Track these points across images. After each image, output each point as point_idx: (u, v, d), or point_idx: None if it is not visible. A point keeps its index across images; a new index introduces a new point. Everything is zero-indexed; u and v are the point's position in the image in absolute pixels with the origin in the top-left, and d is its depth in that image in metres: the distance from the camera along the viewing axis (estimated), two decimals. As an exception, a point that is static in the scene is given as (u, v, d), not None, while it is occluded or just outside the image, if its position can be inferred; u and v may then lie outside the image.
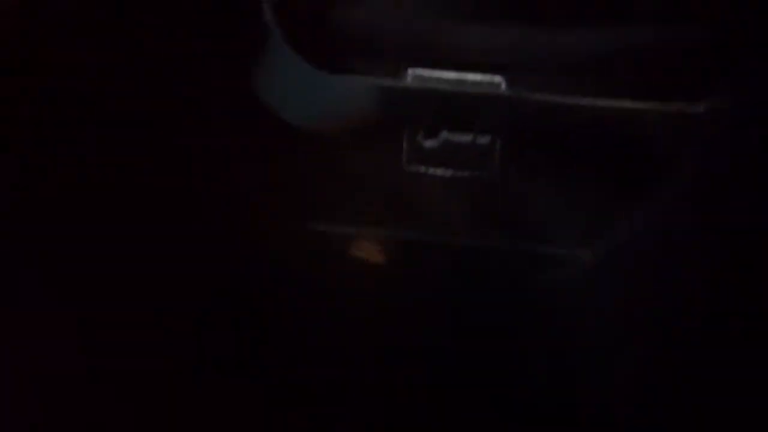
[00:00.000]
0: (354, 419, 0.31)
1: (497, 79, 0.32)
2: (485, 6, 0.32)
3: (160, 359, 0.31)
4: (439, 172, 0.34)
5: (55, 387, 0.31)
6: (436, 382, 0.33)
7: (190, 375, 0.32)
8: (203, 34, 0.32)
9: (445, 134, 0.33)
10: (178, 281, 0.32)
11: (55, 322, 0.31)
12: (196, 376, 0.32)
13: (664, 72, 0.32)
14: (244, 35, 0.33)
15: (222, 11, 0.32)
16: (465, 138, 0.33)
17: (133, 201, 0.31)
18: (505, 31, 0.32)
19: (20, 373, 0.31)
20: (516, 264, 0.35)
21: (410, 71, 0.33)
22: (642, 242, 0.33)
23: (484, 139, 0.33)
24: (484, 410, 0.32)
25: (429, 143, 0.33)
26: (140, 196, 0.31)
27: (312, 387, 0.32)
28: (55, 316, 0.31)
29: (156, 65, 0.32)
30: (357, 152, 0.34)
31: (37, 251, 0.31)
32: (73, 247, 0.31)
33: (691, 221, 0.32)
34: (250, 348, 0.32)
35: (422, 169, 0.34)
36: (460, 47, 0.33)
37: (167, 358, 0.31)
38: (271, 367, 0.32)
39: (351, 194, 0.35)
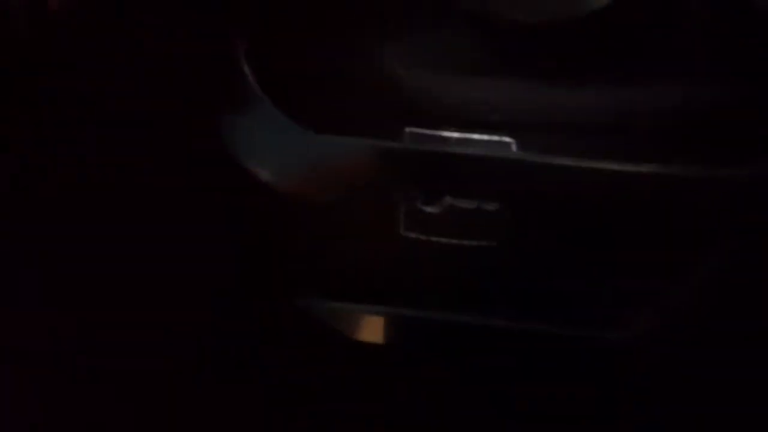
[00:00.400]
0: (354, 419, 0.31)
1: (507, 139, 0.29)
2: (495, 58, 0.29)
3: (161, 359, 0.31)
4: (442, 240, 0.30)
5: (55, 387, 0.31)
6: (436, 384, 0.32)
7: (190, 375, 0.32)
8: (175, 84, 0.29)
9: (448, 199, 0.29)
10: (178, 282, 0.32)
11: (55, 322, 0.31)
12: (196, 376, 0.32)
13: (702, 133, 0.28)
14: (218, 90, 0.29)
15: (195, 60, 0.29)
16: (470, 204, 0.29)
17: (133, 201, 0.31)
18: (515, 87, 0.29)
19: (20, 373, 0.31)
20: (530, 347, 0.31)
21: (408, 130, 0.29)
22: (676, 324, 0.30)
23: (491, 206, 0.29)
24: (483, 408, 0.31)
25: (430, 209, 0.29)
26: (140, 196, 0.31)
27: (312, 387, 0.32)
28: (55, 316, 0.31)
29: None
30: (348, 218, 0.30)
31: (37, 251, 0.31)
32: (73, 247, 0.31)
33: (730, 302, 0.30)
34: (250, 348, 0.32)
35: (422, 236, 0.30)
36: (464, 104, 0.29)
37: (167, 358, 0.31)
38: (271, 367, 0.32)
39: (341, 265, 0.31)
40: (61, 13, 0.29)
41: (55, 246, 0.31)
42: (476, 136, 0.29)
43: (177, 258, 0.32)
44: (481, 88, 0.29)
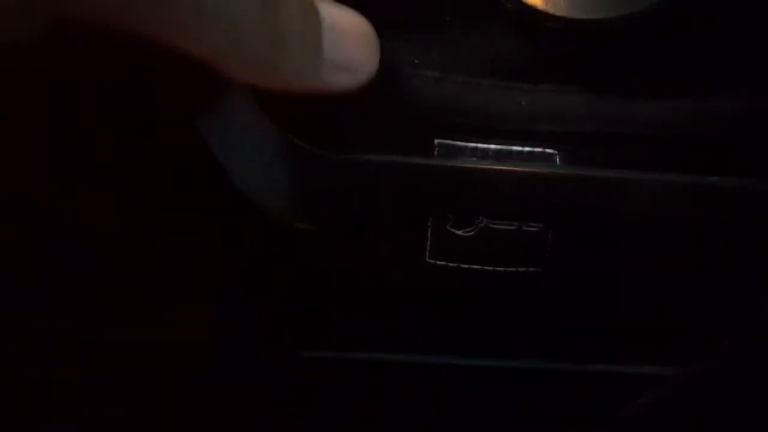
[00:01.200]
0: (354, 421, 0.31)
1: (550, 151, 0.25)
2: (537, 63, 0.26)
3: (160, 359, 0.31)
4: (474, 268, 0.26)
5: (55, 387, 0.31)
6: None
7: (190, 375, 0.32)
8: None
9: (483, 221, 0.26)
10: (177, 281, 0.31)
11: (54, 322, 0.31)
12: (196, 376, 0.32)
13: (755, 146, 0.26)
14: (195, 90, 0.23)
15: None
16: (508, 226, 0.26)
17: (133, 199, 0.31)
18: (558, 97, 0.26)
19: (20, 373, 0.31)
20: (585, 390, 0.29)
21: (438, 142, 0.25)
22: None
23: (532, 228, 0.26)
24: (483, 411, 0.31)
25: (462, 232, 0.26)
26: (139, 194, 0.31)
27: (312, 387, 0.32)
28: (54, 317, 0.31)
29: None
30: (364, 248, 0.27)
31: (37, 251, 0.31)
32: (72, 247, 0.31)
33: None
34: (250, 348, 0.32)
35: (451, 264, 0.26)
36: (501, 113, 0.25)
37: (167, 358, 0.31)
38: (271, 367, 0.32)
39: (354, 303, 0.28)
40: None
41: (54, 246, 0.31)
42: (516, 148, 0.25)
43: (176, 257, 0.32)
44: (521, 96, 0.26)
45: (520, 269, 0.26)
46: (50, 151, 0.29)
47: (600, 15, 0.24)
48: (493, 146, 0.25)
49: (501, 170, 0.24)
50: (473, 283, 0.27)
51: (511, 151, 0.25)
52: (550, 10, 0.24)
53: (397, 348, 0.28)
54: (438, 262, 0.26)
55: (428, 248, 0.26)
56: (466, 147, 0.25)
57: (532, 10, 0.24)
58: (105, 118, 0.29)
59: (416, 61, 0.25)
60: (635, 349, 0.28)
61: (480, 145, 0.25)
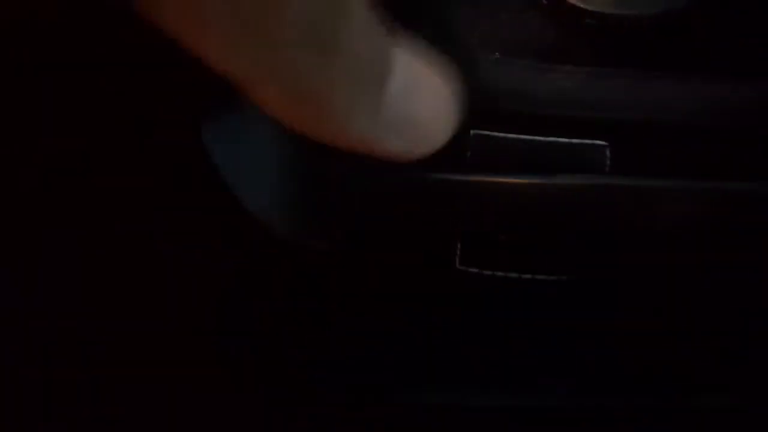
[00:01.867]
0: (354, 420, 0.31)
1: (600, 143, 0.23)
2: (584, 46, 0.24)
3: (160, 359, 0.31)
4: (511, 276, 0.24)
5: (55, 387, 0.31)
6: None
7: (191, 375, 0.32)
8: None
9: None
10: (177, 281, 0.31)
11: (54, 323, 0.31)
12: (197, 376, 0.32)
13: None
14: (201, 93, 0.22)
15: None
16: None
17: (132, 199, 0.31)
18: (599, 81, 0.23)
19: (20, 373, 0.31)
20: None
21: (474, 133, 0.23)
22: None
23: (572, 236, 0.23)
24: (483, 410, 0.31)
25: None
26: (139, 194, 0.31)
27: (312, 387, 0.32)
28: (54, 317, 0.31)
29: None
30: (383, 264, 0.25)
31: (37, 252, 0.31)
32: (72, 248, 0.31)
33: None
34: (250, 348, 0.32)
35: (483, 272, 0.24)
36: (539, 96, 0.23)
37: (167, 359, 0.31)
38: (272, 366, 0.32)
39: (358, 304, 0.26)
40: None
41: (54, 246, 0.31)
42: (562, 140, 0.23)
43: (176, 258, 0.31)
44: (560, 79, 0.23)
45: (550, 278, 0.24)
46: (51, 151, 0.29)
47: (637, 11, 0.23)
48: (539, 138, 0.23)
49: (524, 183, 0.22)
50: (501, 291, 0.25)
51: (556, 143, 0.23)
52: (588, 6, 0.23)
53: (401, 360, 0.27)
54: (469, 270, 0.24)
55: (458, 254, 0.24)
56: (504, 138, 0.23)
57: (570, 7, 0.23)
58: (108, 118, 0.29)
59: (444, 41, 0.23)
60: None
61: (521, 137, 0.23)
